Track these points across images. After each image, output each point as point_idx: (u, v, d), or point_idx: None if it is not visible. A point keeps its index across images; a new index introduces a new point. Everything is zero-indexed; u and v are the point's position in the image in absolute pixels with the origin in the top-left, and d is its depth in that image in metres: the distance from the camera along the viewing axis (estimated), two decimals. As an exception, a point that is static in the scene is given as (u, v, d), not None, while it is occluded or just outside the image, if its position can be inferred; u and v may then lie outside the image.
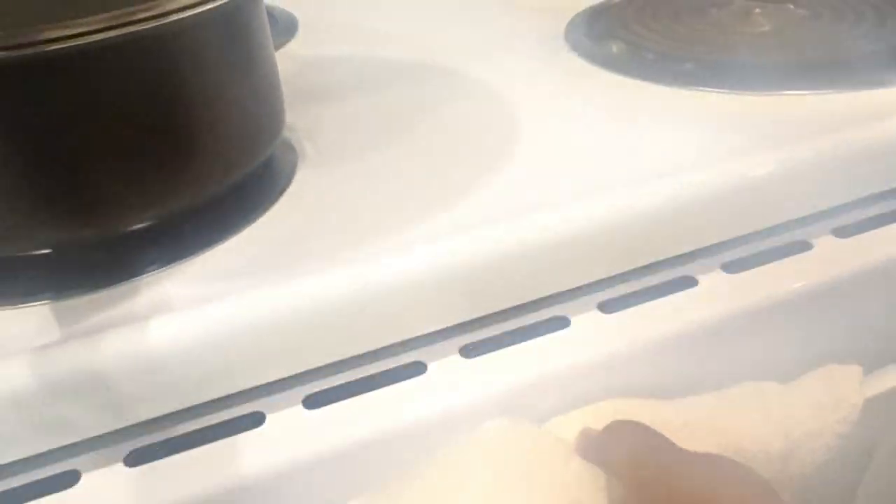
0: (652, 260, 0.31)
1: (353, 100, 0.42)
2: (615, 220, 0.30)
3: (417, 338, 0.29)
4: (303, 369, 0.27)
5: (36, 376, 0.23)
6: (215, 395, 0.26)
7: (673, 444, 0.24)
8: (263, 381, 0.26)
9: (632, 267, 0.31)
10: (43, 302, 0.27)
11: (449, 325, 0.29)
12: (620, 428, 0.26)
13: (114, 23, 0.25)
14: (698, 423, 0.28)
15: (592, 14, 0.52)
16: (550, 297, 0.30)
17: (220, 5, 0.27)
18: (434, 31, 0.52)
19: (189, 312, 0.25)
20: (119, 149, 0.26)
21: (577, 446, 0.26)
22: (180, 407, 0.25)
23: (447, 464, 0.26)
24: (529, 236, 0.29)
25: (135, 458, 0.26)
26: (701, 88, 0.40)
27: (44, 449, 0.24)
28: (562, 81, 0.42)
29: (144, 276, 0.27)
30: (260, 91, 0.30)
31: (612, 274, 0.31)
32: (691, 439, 0.25)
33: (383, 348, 0.28)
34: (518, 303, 0.30)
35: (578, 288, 0.31)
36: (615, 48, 0.46)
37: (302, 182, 0.33)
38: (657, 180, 0.31)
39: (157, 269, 0.28)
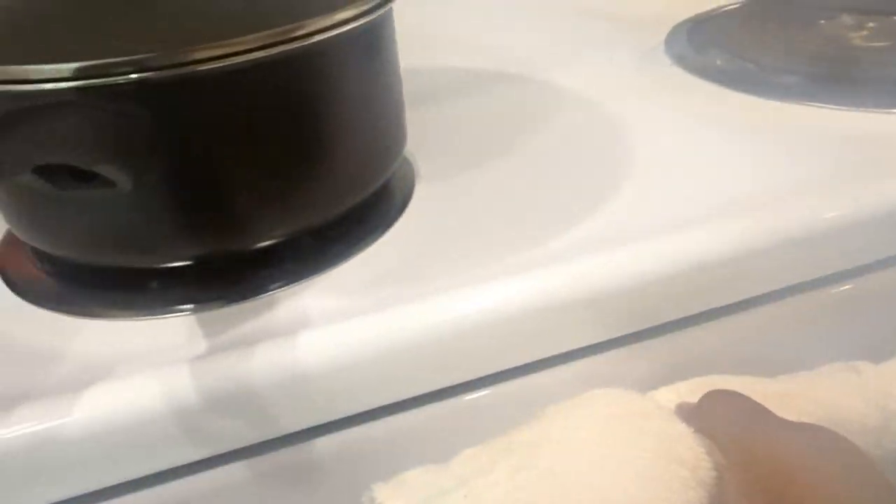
0: (776, 287, 0.31)
1: (456, 111, 0.42)
2: (742, 247, 0.29)
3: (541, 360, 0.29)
4: (437, 387, 0.27)
5: (189, 387, 0.24)
6: (355, 410, 0.26)
7: (771, 413, 0.24)
8: (398, 398, 0.27)
9: (759, 293, 0.31)
10: (184, 313, 0.28)
11: (573, 347, 0.29)
12: (718, 396, 0.26)
13: (262, 43, 0.25)
14: (795, 395, 0.28)
15: (694, 25, 0.51)
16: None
17: (364, 24, 0.27)
18: (533, 42, 0.52)
19: (329, 327, 0.26)
20: (260, 167, 0.27)
21: (677, 413, 0.26)
22: (324, 420, 0.26)
23: (554, 420, 0.26)
24: (653, 262, 0.28)
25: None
26: (809, 103, 0.39)
27: (196, 458, 0.25)
28: (665, 94, 0.42)
29: (278, 290, 0.28)
30: (390, 107, 0.31)
31: (734, 301, 0.31)
32: (788, 409, 0.25)
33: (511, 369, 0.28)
34: (639, 329, 0.30)
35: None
36: (719, 60, 0.46)
37: (422, 198, 0.33)
38: (778, 206, 0.30)
39: (289, 283, 0.28)
